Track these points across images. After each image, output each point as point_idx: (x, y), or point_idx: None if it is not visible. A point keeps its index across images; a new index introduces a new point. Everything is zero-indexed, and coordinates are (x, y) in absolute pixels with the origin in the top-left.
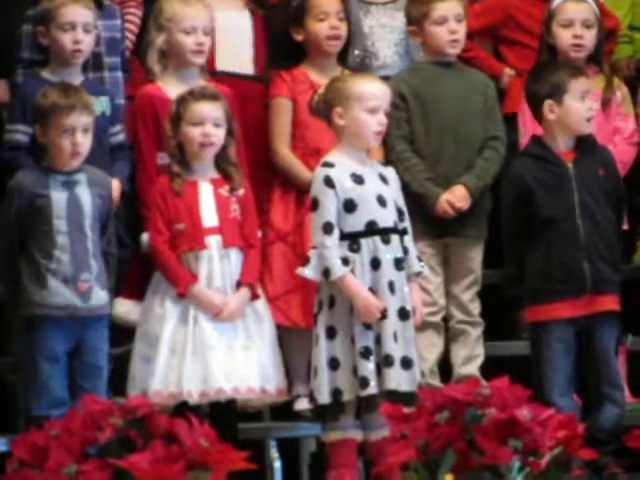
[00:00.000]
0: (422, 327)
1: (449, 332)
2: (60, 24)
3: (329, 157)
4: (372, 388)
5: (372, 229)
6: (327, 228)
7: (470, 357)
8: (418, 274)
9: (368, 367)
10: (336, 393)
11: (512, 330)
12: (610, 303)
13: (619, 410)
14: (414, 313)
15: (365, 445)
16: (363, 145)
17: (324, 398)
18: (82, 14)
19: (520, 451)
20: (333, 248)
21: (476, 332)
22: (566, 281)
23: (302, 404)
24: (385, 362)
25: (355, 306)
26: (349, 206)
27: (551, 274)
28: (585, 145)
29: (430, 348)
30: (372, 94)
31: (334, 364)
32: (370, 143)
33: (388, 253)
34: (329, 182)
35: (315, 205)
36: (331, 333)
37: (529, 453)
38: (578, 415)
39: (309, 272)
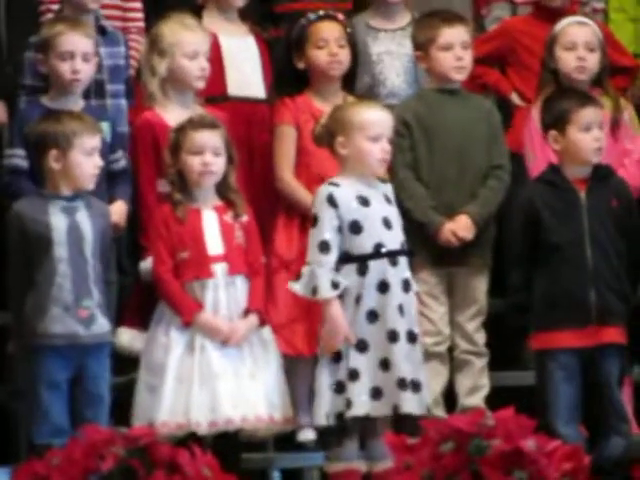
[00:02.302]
0: (427, 357)
1: (454, 362)
2: (59, 53)
3: (336, 178)
4: (356, 410)
5: (379, 251)
6: (323, 246)
7: (475, 387)
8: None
9: (354, 390)
10: (339, 416)
11: (518, 360)
12: (615, 335)
13: (625, 441)
14: None
15: (369, 476)
16: (367, 172)
17: (320, 420)
18: (81, 43)
19: None
20: (326, 267)
21: (481, 362)
22: (571, 310)
23: (306, 434)
24: (399, 385)
25: (322, 330)
26: (355, 228)
27: (556, 302)
28: (600, 175)
29: (435, 378)
30: (373, 122)
31: (339, 388)
32: (374, 171)
33: (396, 275)
34: (331, 201)
35: (314, 222)
36: (337, 358)
37: None
38: (584, 446)
39: (299, 287)
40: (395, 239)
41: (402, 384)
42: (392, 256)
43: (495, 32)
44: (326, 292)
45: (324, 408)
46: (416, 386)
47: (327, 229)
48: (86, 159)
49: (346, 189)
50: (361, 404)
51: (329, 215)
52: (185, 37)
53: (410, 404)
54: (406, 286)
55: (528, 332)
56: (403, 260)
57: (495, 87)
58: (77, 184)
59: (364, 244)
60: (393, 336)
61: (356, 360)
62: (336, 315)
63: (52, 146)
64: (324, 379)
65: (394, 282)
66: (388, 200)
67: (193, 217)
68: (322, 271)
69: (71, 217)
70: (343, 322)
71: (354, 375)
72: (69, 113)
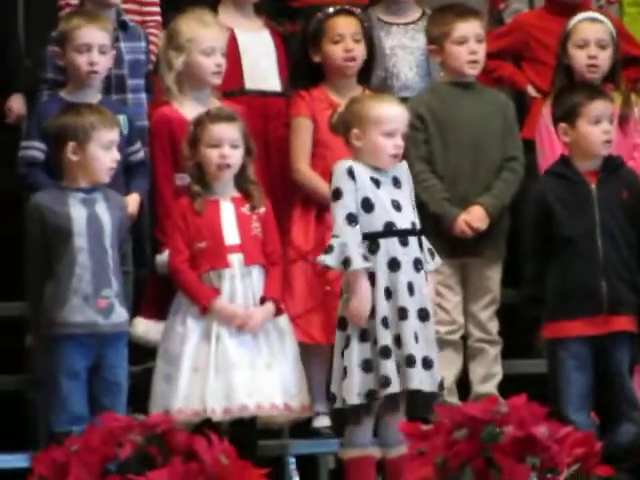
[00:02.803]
0: (441, 345)
1: (467, 350)
2: (76, 46)
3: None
4: (394, 387)
5: (390, 230)
6: (351, 218)
7: (488, 375)
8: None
9: (388, 366)
10: (369, 394)
11: (530, 348)
12: (626, 324)
13: (636, 428)
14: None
15: (383, 462)
16: (379, 165)
17: (353, 399)
18: (98, 36)
19: (538, 468)
20: (356, 240)
21: (494, 350)
22: (583, 300)
23: (321, 421)
24: (407, 362)
25: (351, 304)
26: (366, 205)
27: (568, 293)
28: (610, 166)
29: (449, 366)
30: (389, 117)
31: (367, 366)
32: (385, 165)
33: (406, 254)
34: (351, 173)
35: (338, 195)
36: (364, 336)
37: (547, 470)
38: (595, 433)
39: (330, 260)
40: (405, 220)
41: (410, 361)
42: (402, 235)
43: (509, 27)
44: (358, 264)
45: (356, 387)
46: (427, 363)
47: (352, 201)
48: (104, 152)
49: (361, 168)
50: (395, 382)
51: (351, 187)
52: (202, 33)
53: (419, 380)
54: (417, 265)
55: (541, 321)
56: (414, 240)
57: (511, 80)
58: (94, 177)
59: (375, 222)
60: (403, 314)
61: (385, 337)
62: (365, 288)
63: (71, 138)
64: (354, 358)
65: (404, 261)
66: (397, 183)
67: (211, 209)
68: (353, 244)
69: (90, 209)
70: (369, 297)
71: (386, 352)
72: (89, 106)
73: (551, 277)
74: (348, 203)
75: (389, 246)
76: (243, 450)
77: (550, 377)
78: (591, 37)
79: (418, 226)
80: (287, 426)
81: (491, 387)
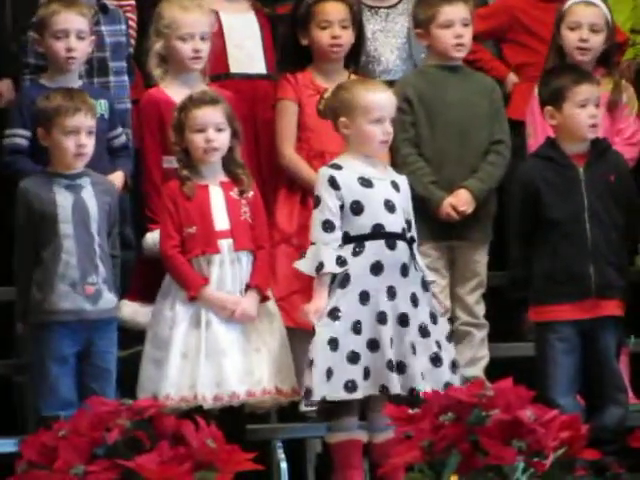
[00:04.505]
0: None
1: (454, 333)
2: (53, 32)
3: (338, 159)
4: (359, 393)
5: (378, 232)
6: (327, 226)
7: (475, 359)
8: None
9: (355, 371)
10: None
11: (517, 332)
12: (613, 308)
13: (622, 411)
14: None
15: (370, 446)
16: (369, 153)
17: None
18: (75, 21)
19: (524, 452)
20: (332, 245)
21: (481, 334)
22: (571, 284)
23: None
24: (388, 366)
25: (310, 304)
26: (356, 208)
27: (556, 276)
28: (598, 149)
29: None
30: (377, 105)
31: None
32: (376, 152)
33: (392, 258)
34: (333, 183)
35: (317, 202)
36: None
37: (533, 454)
38: (581, 416)
39: (303, 266)
40: (396, 223)
41: (390, 365)
42: (390, 238)
43: (493, 8)
44: (330, 267)
45: (322, 390)
46: (401, 368)
47: (329, 209)
48: (66, 138)
49: (349, 171)
50: (361, 387)
51: (331, 196)
52: (180, 19)
53: (396, 385)
54: (403, 270)
55: (527, 304)
56: (402, 245)
57: (488, 66)
58: (63, 163)
59: (363, 224)
60: (382, 318)
61: (356, 343)
62: (323, 293)
63: (39, 124)
64: (320, 361)
65: (388, 264)
66: (395, 187)
67: (201, 193)
68: (327, 248)
69: (76, 195)
70: (324, 302)
71: (354, 358)
72: (61, 90)
73: (538, 260)
74: (325, 211)
75: (376, 248)
76: (231, 434)
77: (538, 360)
78: (584, 20)
79: (409, 234)
80: (274, 410)
81: (478, 370)
